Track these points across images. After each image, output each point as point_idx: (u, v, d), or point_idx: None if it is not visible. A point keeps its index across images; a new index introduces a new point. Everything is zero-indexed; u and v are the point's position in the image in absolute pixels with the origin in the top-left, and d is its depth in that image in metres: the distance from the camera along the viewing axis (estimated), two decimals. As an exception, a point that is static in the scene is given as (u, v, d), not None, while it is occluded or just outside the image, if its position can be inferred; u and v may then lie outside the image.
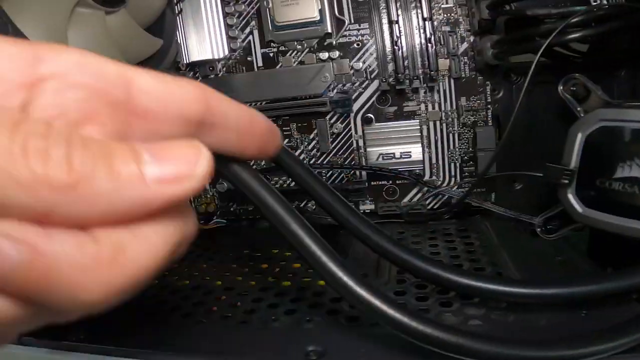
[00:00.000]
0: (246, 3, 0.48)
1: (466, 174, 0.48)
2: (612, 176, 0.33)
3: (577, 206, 0.35)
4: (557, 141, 0.36)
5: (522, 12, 0.38)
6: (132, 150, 0.14)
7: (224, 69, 0.50)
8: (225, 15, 0.49)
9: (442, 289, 0.31)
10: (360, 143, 0.48)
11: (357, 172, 0.49)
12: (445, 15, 0.45)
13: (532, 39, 0.38)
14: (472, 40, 0.45)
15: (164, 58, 0.43)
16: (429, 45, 0.43)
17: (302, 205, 0.50)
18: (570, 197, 0.35)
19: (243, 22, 0.49)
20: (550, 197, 0.38)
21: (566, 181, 0.35)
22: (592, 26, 0.36)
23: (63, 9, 0.33)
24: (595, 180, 0.34)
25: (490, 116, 0.46)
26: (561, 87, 0.38)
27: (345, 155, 0.49)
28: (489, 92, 0.46)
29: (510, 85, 0.45)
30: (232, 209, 0.53)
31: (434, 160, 0.48)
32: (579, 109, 0.37)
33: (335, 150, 0.49)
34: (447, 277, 0.28)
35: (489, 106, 0.46)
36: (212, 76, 0.50)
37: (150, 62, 0.42)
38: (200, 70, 0.50)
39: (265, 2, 0.47)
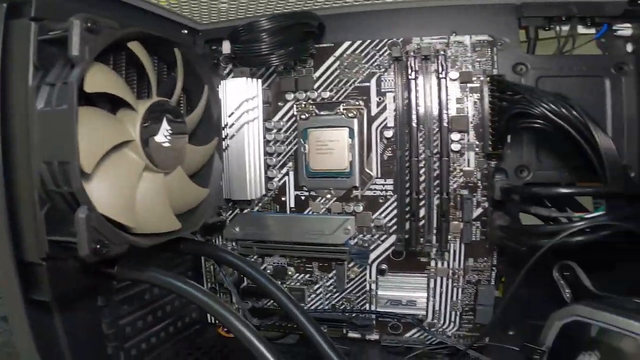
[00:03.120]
0: (285, 143, 0.56)
1: (465, 321, 0.53)
2: (575, 360, 0.38)
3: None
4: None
5: (527, 209, 0.45)
6: None
7: (260, 204, 0.57)
8: (266, 154, 0.56)
9: None
10: (373, 287, 0.55)
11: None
12: (465, 178, 0.51)
13: (534, 236, 0.44)
14: (486, 207, 0.50)
15: (210, 206, 0.49)
16: (442, 220, 0.49)
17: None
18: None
19: (281, 163, 0.56)
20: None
21: (537, 357, 0.41)
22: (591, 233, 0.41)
23: (135, 173, 0.40)
24: (562, 360, 0.39)
25: (493, 276, 0.52)
26: (556, 273, 0.44)
27: (358, 295, 0.55)
28: (495, 257, 0.51)
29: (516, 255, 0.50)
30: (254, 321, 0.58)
31: (437, 308, 0.53)
32: (567, 291, 0.43)
33: (349, 289, 0.55)
34: None
35: (494, 268, 0.51)
36: (247, 210, 0.57)
37: (198, 210, 0.49)
38: (239, 205, 0.57)
39: (302, 148, 0.54)
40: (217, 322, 0.61)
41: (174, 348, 0.55)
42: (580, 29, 0.49)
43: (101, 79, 0.35)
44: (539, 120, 0.43)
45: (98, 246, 0.34)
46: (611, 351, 0.37)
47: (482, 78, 0.49)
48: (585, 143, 0.40)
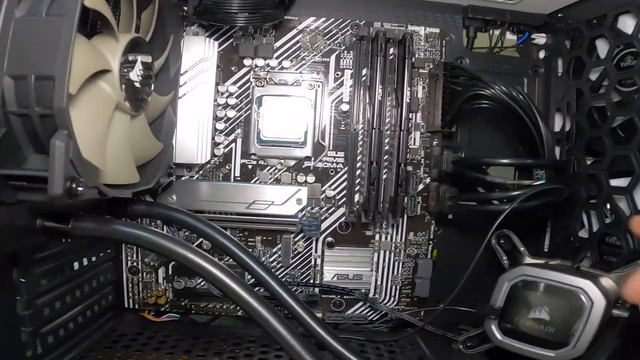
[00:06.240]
0: (236, 109, 0.53)
1: (404, 295, 0.56)
2: (527, 316, 0.43)
3: (498, 335, 0.45)
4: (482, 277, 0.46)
5: (482, 178, 0.50)
6: None
7: (201, 172, 0.53)
8: (215, 118, 0.53)
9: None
10: (319, 262, 0.55)
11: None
12: (411, 155, 0.54)
13: (489, 202, 0.49)
14: (427, 182, 0.55)
15: (163, 163, 0.46)
16: (399, 189, 0.52)
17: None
18: (493, 328, 0.46)
19: (229, 129, 0.53)
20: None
21: (493, 317, 0.45)
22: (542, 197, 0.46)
23: (108, 108, 0.35)
24: (514, 317, 0.44)
25: (430, 250, 0.56)
26: (493, 241, 0.49)
27: (303, 270, 0.55)
28: (432, 231, 0.56)
29: (450, 227, 0.56)
30: (182, 304, 0.54)
31: (379, 282, 0.56)
32: (504, 258, 0.49)
33: (294, 265, 0.55)
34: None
35: (431, 242, 0.56)
36: (186, 177, 0.53)
37: (151, 166, 0.44)
38: (177, 172, 0.51)
39: (256, 114, 0.52)
40: (137, 306, 0.54)
41: (94, 335, 0.48)
42: (508, 35, 0.57)
43: None
44: (489, 102, 0.48)
45: (74, 185, 0.29)
46: (558, 305, 0.42)
47: (431, 65, 0.54)
48: (529, 122, 0.47)
